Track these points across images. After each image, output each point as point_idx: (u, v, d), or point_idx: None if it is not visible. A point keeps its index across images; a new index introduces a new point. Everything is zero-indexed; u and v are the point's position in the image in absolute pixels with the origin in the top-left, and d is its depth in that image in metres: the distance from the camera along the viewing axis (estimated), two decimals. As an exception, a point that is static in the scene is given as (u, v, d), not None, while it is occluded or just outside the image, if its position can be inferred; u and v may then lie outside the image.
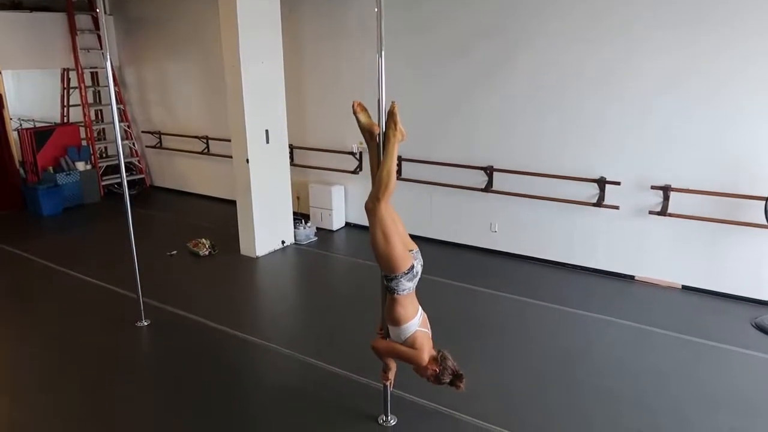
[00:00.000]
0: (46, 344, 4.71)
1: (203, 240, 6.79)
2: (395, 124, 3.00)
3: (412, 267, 3.04)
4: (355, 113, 3.11)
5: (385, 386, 3.53)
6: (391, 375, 3.44)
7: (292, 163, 7.56)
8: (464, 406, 3.71)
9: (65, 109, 9.44)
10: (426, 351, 3.14)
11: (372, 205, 2.98)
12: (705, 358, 4.36)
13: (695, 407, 3.73)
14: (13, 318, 5.27)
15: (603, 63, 5.41)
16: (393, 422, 3.60)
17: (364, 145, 3.29)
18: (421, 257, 3.16)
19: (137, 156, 10.03)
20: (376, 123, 3.09)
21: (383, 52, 3.00)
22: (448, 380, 3.14)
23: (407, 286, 3.05)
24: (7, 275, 6.25)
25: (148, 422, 3.68)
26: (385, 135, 3.05)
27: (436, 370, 3.12)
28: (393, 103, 3.04)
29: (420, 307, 3.23)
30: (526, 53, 5.80)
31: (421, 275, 3.13)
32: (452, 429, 3.55)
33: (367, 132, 3.13)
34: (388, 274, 3.05)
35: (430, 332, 3.23)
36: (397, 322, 3.12)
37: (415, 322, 3.14)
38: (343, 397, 3.88)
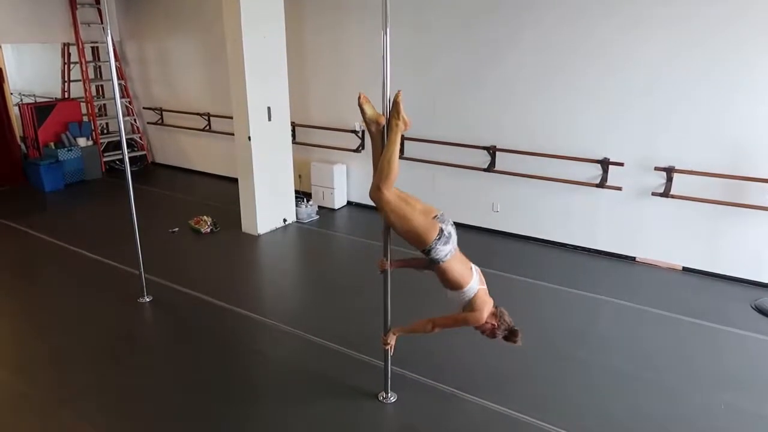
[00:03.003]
0: (50, 319, 4.74)
1: (205, 217, 6.79)
2: (398, 113, 3.00)
3: (441, 231, 3.01)
4: (360, 105, 3.10)
5: (386, 357, 3.54)
6: (392, 340, 3.46)
7: (294, 141, 7.52)
8: (464, 384, 3.74)
9: (66, 84, 9.39)
10: (486, 309, 3.18)
11: (375, 195, 2.99)
12: (704, 339, 4.37)
13: (694, 386, 3.76)
14: (17, 293, 5.29)
15: (608, 43, 5.34)
16: (393, 399, 3.63)
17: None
18: (449, 218, 3.12)
19: (138, 132, 9.99)
20: (382, 114, 3.08)
21: (388, 29, 2.97)
22: (503, 335, 3.23)
23: (447, 250, 3.03)
24: (9, 250, 6.27)
25: (149, 396, 3.72)
26: (388, 124, 3.04)
27: (494, 324, 3.20)
28: (398, 92, 3.02)
29: (472, 264, 3.23)
30: (530, 32, 5.72)
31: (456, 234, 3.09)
32: (452, 406, 3.58)
33: (373, 123, 3.12)
34: (423, 248, 3.03)
35: (486, 286, 3.26)
36: (458, 287, 3.12)
37: (476, 281, 3.16)
38: (343, 374, 3.91)
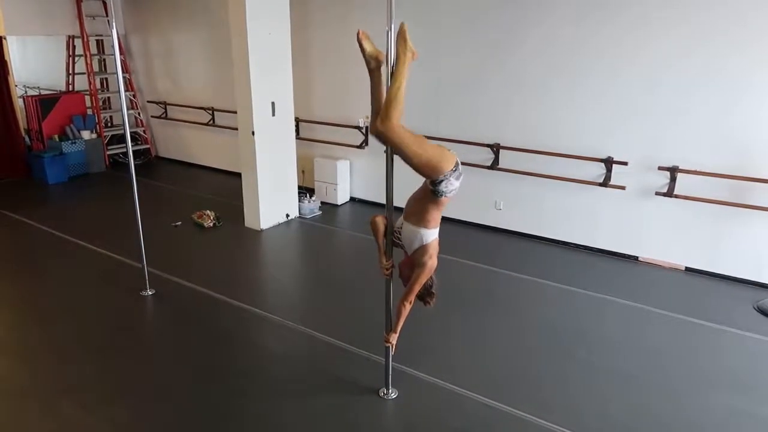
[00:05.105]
0: (52, 311, 4.76)
1: (208, 211, 6.80)
2: (405, 43, 2.92)
3: (458, 164, 2.93)
4: (359, 42, 3.02)
5: (387, 354, 3.55)
6: (393, 339, 3.46)
7: (298, 137, 7.51)
8: (465, 381, 3.75)
9: (70, 77, 9.39)
10: (436, 257, 3.19)
11: (384, 127, 2.79)
12: (707, 339, 4.37)
13: (696, 387, 3.76)
14: (20, 284, 5.32)
15: (613, 43, 5.32)
16: (394, 395, 3.64)
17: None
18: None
19: (142, 126, 10.00)
20: (382, 51, 3.02)
21: (393, 26, 2.96)
22: (425, 291, 3.27)
23: (455, 186, 2.95)
24: (12, 242, 6.29)
25: (150, 388, 3.74)
26: (396, 55, 2.94)
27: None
28: (402, 23, 2.95)
29: None
30: (535, 31, 5.70)
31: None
32: (453, 402, 3.59)
33: (373, 59, 3.04)
34: (435, 178, 2.92)
35: None
36: (432, 225, 3.11)
37: (438, 228, 3.15)
38: (344, 370, 3.92)
